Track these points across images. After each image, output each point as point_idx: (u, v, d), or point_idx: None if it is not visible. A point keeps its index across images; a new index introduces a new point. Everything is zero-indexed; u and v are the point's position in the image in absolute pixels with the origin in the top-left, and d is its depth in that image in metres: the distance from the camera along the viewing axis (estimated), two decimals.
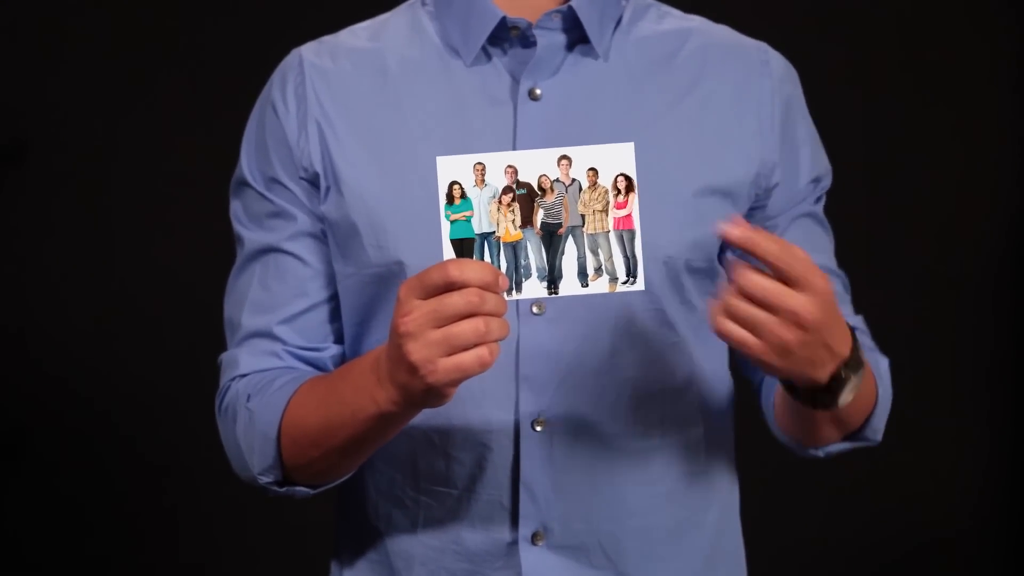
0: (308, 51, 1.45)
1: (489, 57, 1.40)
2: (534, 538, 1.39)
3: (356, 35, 1.47)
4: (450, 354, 1.19)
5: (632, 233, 1.23)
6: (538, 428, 1.38)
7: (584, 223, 1.23)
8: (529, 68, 1.39)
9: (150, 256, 2.87)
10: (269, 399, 1.38)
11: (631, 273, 1.23)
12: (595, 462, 1.39)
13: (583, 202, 1.23)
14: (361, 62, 1.43)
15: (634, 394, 1.39)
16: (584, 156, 1.23)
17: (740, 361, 1.46)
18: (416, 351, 1.20)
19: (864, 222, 2.85)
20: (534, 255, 1.24)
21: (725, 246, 1.40)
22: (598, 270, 1.24)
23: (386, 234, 1.38)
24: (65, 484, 2.91)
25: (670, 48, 1.43)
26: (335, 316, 1.44)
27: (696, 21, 1.48)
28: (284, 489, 1.40)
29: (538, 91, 1.39)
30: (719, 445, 1.46)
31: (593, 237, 1.23)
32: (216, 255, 1.77)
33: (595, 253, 1.24)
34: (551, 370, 1.37)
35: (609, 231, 1.23)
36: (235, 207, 1.47)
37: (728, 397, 1.47)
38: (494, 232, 1.23)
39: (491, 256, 1.23)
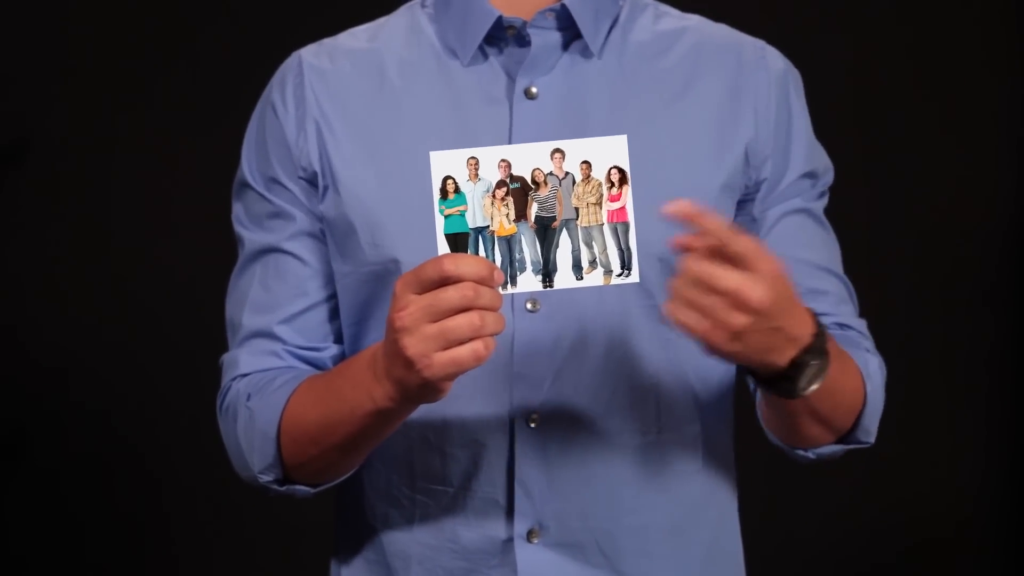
0: (307, 53, 1.46)
1: (486, 56, 1.41)
2: (530, 535, 1.39)
3: (355, 37, 1.47)
4: (446, 348, 1.20)
5: (626, 226, 1.23)
6: (533, 424, 1.38)
7: (578, 216, 1.23)
8: (524, 67, 1.39)
9: (150, 257, 2.87)
10: (269, 398, 1.38)
11: (626, 265, 1.24)
12: (590, 458, 1.39)
13: (577, 195, 1.23)
14: (359, 63, 1.44)
15: (629, 390, 1.39)
16: (577, 149, 1.23)
17: None
18: (412, 346, 1.20)
19: (862, 221, 2.84)
20: (528, 249, 1.24)
21: None
22: (592, 263, 1.24)
23: (382, 232, 1.38)
24: (64, 485, 2.91)
25: (666, 46, 1.44)
26: (335, 316, 1.44)
27: (693, 20, 1.48)
28: (284, 488, 1.40)
29: (534, 89, 1.39)
30: (717, 442, 1.46)
31: (587, 230, 1.24)
32: (216, 255, 1.77)
33: (589, 246, 1.24)
34: (545, 366, 1.37)
35: (603, 224, 1.23)
36: (236, 209, 1.48)
37: (727, 395, 1.47)
38: (488, 226, 1.24)
39: (486, 250, 1.24)
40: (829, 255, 1.47)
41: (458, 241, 1.23)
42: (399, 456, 1.42)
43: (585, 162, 1.23)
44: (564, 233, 1.24)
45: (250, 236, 1.45)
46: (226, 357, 1.45)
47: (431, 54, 1.43)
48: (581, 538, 1.40)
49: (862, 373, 1.39)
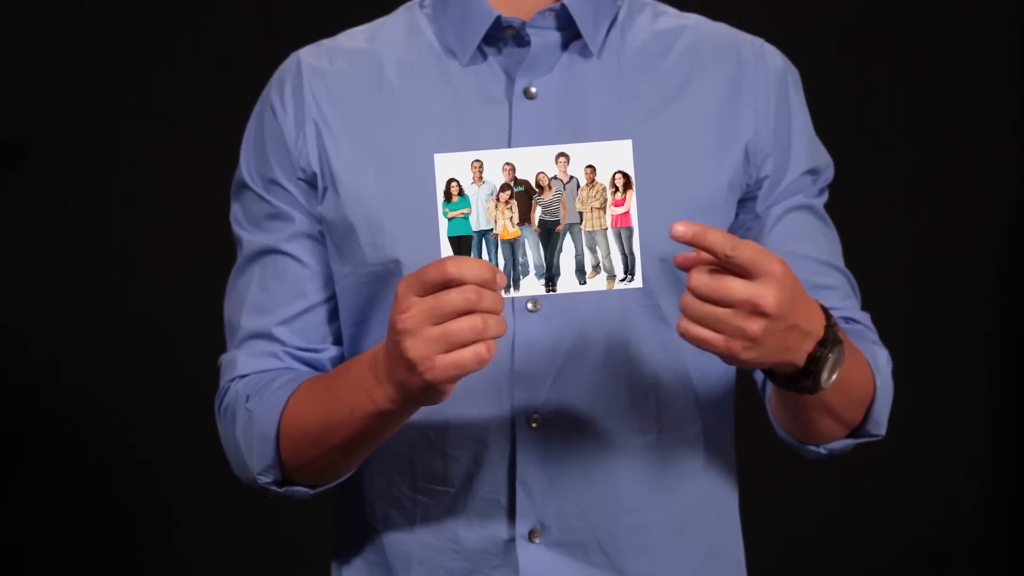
0: (306, 54, 1.46)
1: (485, 56, 1.41)
2: (531, 535, 1.40)
3: (354, 37, 1.47)
4: (448, 351, 1.20)
5: (630, 231, 1.23)
6: (534, 424, 1.38)
7: (582, 220, 1.23)
8: (524, 67, 1.39)
9: (150, 257, 2.87)
10: (268, 399, 1.38)
11: (629, 271, 1.23)
12: (591, 459, 1.39)
13: (581, 199, 1.23)
14: (358, 63, 1.44)
15: (630, 390, 1.39)
16: (582, 153, 1.23)
17: None
18: (414, 348, 1.20)
19: (862, 220, 2.84)
20: (532, 252, 1.24)
21: None
22: (596, 267, 1.24)
23: (382, 233, 1.38)
24: (64, 485, 2.91)
25: (665, 45, 1.44)
26: (333, 317, 1.44)
27: (692, 19, 1.48)
28: (283, 489, 1.40)
29: (533, 89, 1.39)
30: (718, 442, 1.46)
31: (591, 234, 1.24)
32: (216, 256, 1.77)
33: (593, 250, 1.24)
34: (547, 366, 1.37)
35: (607, 228, 1.23)
36: (235, 209, 1.48)
37: (727, 394, 1.47)
38: (492, 229, 1.24)
39: (489, 253, 1.24)
40: (832, 250, 1.48)
41: (461, 244, 1.23)
42: (400, 456, 1.42)
43: (590, 166, 1.23)
44: (568, 237, 1.23)
45: (249, 237, 1.45)
46: (224, 358, 1.45)
47: (430, 54, 1.43)
48: (583, 538, 1.40)
49: (871, 365, 1.39)
